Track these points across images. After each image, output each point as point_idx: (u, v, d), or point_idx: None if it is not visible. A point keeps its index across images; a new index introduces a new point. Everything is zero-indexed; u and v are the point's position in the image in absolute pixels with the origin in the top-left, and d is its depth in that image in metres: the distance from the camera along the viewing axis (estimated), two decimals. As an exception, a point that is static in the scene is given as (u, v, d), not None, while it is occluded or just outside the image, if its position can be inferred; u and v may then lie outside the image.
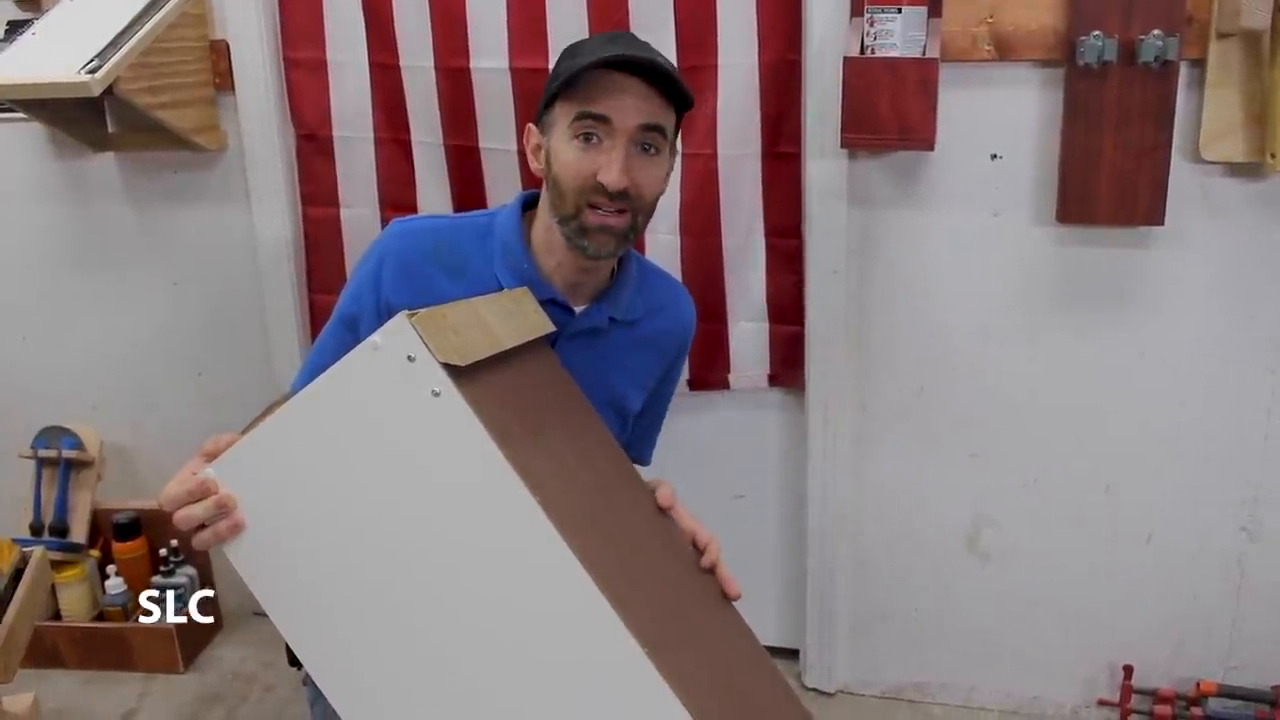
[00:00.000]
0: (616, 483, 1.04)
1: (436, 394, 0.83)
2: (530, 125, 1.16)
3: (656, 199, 1.13)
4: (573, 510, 0.88)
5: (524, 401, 0.95)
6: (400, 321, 0.83)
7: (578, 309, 1.16)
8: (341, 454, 0.87)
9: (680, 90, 1.09)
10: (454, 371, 0.83)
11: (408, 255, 1.13)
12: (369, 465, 0.86)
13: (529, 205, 1.19)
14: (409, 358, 0.83)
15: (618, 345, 1.19)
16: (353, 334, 1.13)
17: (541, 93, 1.13)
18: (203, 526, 0.90)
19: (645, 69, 1.06)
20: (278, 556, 0.90)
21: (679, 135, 1.17)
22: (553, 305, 1.13)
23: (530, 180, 1.80)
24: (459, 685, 0.87)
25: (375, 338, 0.84)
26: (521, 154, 1.74)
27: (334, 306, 1.19)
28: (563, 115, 1.08)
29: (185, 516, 0.90)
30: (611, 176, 1.05)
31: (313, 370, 1.10)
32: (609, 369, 1.19)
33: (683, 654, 0.89)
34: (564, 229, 1.10)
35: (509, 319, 0.99)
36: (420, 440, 0.85)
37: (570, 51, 1.12)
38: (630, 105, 1.06)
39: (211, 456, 0.91)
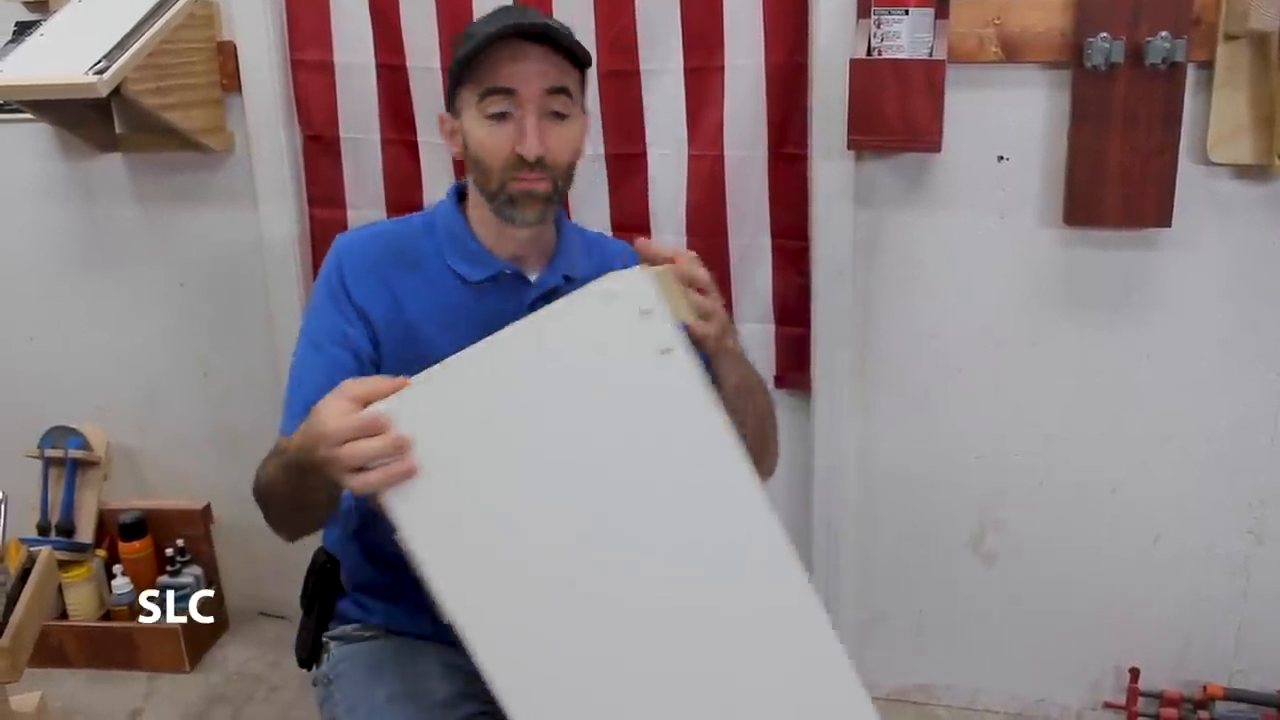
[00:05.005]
0: None
1: (666, 351, 0.82)
2: (442, 113, 1.18)
3: (574, 163, 1.15)
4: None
5: None
6: (641, 274, 0.82)
7: (532, 277, 1.18)
8: (541, 400, 0.82)
9: (577, 50, 1.11)
10: (684, 331, 0.83)
11: (364, 258, 1.15)
12: (571, 414, 0.83)
13: (463, 195, 1.21)
14: (644, 311, 0.81)
15: None
16: (347, 350, 1.11)
17: None
18: (362, 469, 0.83)
19: (539, 35, 1.08)
20: (446, 505, 0.82)
21: (585, 95, 1.17)
22: (508, 277, 1.16)
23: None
24: (636, 657, 0.83)
25: (610, 285, 0.82)
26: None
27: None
28: (470, 96, 1.10)
29: (355, 452, 0.81)
30: (526, 146, 1.08)
31: (307, 401, 1.09)
32: None
33: None
34: (493, 205, 1.13)
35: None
36: (638, 396, 0.82)
37: (465, 34, 1.13)
38: (532, 72, 1.08)
39: (361, 400, 0.84)
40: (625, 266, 1.24)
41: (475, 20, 1.15)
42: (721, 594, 0.83)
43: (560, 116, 1.11)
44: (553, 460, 0.83)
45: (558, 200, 1.15)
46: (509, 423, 0.83)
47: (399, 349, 1.12)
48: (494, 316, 1.14)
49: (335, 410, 0.83)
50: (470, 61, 1.08)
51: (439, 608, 0.83)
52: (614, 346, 0.82)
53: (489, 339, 0.84)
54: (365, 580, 1.22)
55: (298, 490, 0.97)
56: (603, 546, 0.83)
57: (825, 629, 0.83)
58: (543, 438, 0.83)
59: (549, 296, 1.17)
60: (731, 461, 0.82)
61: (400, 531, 0.82)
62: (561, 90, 1.10)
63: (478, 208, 1.17)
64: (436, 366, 0.84)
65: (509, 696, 0.83)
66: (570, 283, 1.19)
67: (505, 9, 1.15)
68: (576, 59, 1.12)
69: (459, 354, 0.84)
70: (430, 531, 0.82)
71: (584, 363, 0.82)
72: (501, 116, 1.09)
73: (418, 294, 1.14)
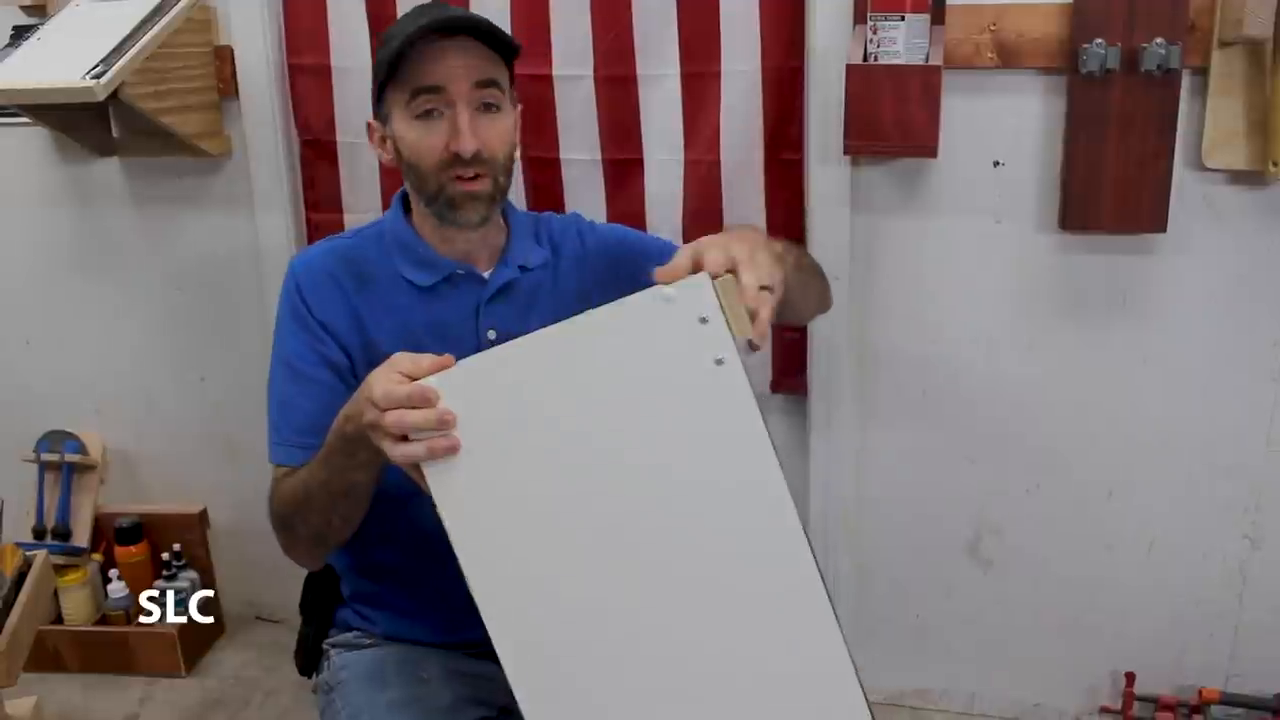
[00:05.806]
0: None
1: (719, 362, 0.81)
2: (370, 120, 1.17)
3: (510, 157, 1.14)
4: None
5: None
6: (703, 280, 0.81)
7: (486, 274, 1.17)
8: (587, 393, 0.83)
9: (502, 39, 1.10)
10: (740, 344, 0.82)
11: (319, 276, 1.14)
12: (615, 411, 0.83)
13: (408, 200, 1.20)
14: (701, 319, 0.81)
15: (544, 294, 1.19)
16: (329, 369, 1.11)
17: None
18: (405, 439, 0.84)
19: (461, 28, 1.07)
20: (483, 485, 0.84)
21: (514, 86, 1.17)
22: (461, 277, 1.15)
23: (530, 182, 1.81)
24: (648, 655, 0.84)
25: (668, 290, 0.81)
26: (525, 159, 1.75)
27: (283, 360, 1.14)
28: (397, 99, 1.10)
29: (400, 420, 0.83)
30: (461, 143, 1.07)
31: (300, 428, 1.08)
32: (544, 320, 1.20)
33: None
34: (433, 209, 1.12)
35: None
36: (685, 402, 0.82)
37: (386, 38, 1.12)
38: (458, 67, 1.07)
39: (408, 375, 0.85)
40: (580, 238, 1.24)
41: (397, 22, 1.13)
42: (742, 606, 0.84)
43: (492, 109, 1.10)
44: (591, 454, 0.84)
45: (500, 198, 1.14)
46: (552, 412, 0.84)
47: (366, 361, 1.10)
48: (447, 319, 1.14)
49: (385, 379, 0.85)
50: (394, 63, 1.07)
51: (466, 583, 0.84)
52: (666, 350, 0.82)
53: (542, 330, 0.84)
54: (364, 591, 1.22)
55: (336, 475, 0.97)
56: (630, 544, 0.84)
57: (840, 649, 0.84)
58: (584, 431, 0.84)
59: (504, 292, 1.17)
60: (770, 479, 0.83)
61: (436, 506, 0.84)
62: (491, 83, 1.09)
63: (421, 212, 1.16)
64: (487, 351, 0.86)
65: (519, 682, 0.84)
66: (526, 273, 1.18)
67: (423, 6, 1.13)
68: (502, 51, 1.11)
69: (511, 341, 0.85)
70: (464, 509, 0.84)
71: (633, 363, 0.83)
72: (432, 115, 1.08)
73: (374, 307, 1.13)
